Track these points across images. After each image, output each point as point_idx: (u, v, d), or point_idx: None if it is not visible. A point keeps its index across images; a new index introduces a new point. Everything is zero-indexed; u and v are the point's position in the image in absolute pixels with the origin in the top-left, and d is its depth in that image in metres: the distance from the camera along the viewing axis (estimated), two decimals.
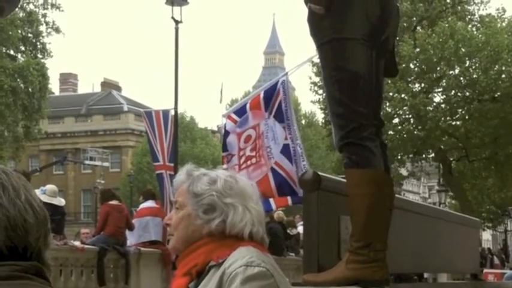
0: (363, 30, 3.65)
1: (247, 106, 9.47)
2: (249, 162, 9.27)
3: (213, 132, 73.11)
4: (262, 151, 9.20)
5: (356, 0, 3.66)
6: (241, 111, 9.53)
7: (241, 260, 2.51)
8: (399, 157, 36.10)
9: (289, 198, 9.67)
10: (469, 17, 36.55)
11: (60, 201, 13.73)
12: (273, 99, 9.28)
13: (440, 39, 32.22)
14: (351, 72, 3.63)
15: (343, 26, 3.63)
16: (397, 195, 4.16)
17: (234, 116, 9.53)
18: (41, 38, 39.59)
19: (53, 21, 39.88)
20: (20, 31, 38.22)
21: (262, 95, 9.43)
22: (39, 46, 39.61)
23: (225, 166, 9.43)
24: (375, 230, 3.64)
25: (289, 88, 9.58)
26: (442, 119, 33.94)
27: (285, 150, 9.06)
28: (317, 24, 3.71)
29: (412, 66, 33.99)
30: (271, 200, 9.65)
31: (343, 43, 3.63)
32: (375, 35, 3.69)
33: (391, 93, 32.81)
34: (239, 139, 9.37)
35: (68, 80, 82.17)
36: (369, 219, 3.60)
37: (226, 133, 9.55)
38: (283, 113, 9.14)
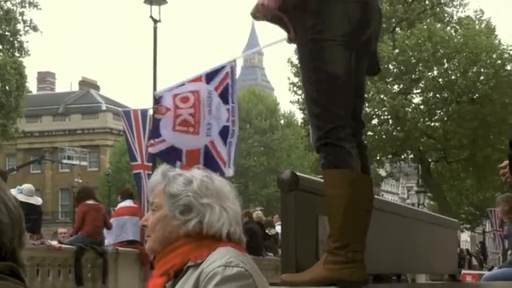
0: (343, 31, 3.64)
1: (186, 84, 9.34)
2: (185, 128, 9.23)
3: None
4: (201, 124, 9.20)
5: (337, 2, 3.65)
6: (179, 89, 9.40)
7: (219, 260, 2.51)
8: (378, 158, 36.25)
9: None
10: (447, 18, 36.75)
11: (37, 201, 13.66)
12: (218, 77, 9.22)
13: (419, 41, 32.37)
14: (329, 74, 3.63)
15: (324, 26, 3.63)
16: (375, 196, 4.15)
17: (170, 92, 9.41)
18: (18, 36, 39.41)
19: (31, 20, 39.78)
20: None
21: (204, 76, 9.33)
22: (16, 44, 39.42)
23: (161, 116, 9.42)
24: (352, 230, 3.63)
25: (235, 77, 9.48)
26: (421, 120, 34.09)
27: (224, 131, 9.16)
28: (299, 23, 3.71)
29: (391, 67, 34.13)
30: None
31: (323, 44, 3.63)
32: (355, 37, 3.69)
33: (370, 94, 32.94)
34: (174, 98, 9.28)
35: (45, 78, 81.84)
36: (346, 220, 3.60)
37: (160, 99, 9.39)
38: (230, 96, 9.14)
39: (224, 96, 9.11)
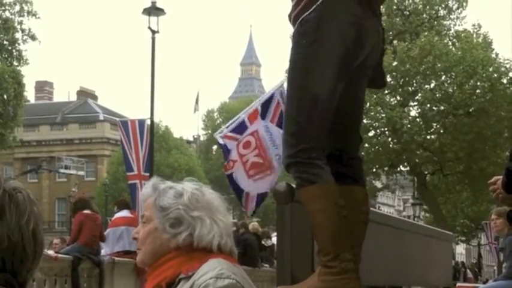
0: (337, 52, 3.63)
1: (246, 121, 9.56)
2: (261, 173, 9.44)
3: (188, 142, 73.02)
4: (272, 159, 9.37)
5: (332, 22, 3.65)
6: (241, 129, 9.63)
7: (211, 272, 2.52)
8: (374, 170, 36.23)
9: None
10: (444, 31, 36.82)
11: None
12: (271, 107, 9.39)
13: (421, 53, 32.45)
14: (313, 94, 3.61)
15: (318, 46, 3.63)
16: (371, 208, 4.18)
17: (233, 134, 9.62)
18: (16, 45, 39.42)
19: (29, 29, 39.80)
20: None
21: (259, 109, 9.57)
22: (15, 53, 39.43)
23: (231, 171, 9.62)
24: (340, 241, 3.64)
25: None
26: (418, 132, 34.11)
27: None
28: (296, 40, 3.72)
29: (388, 79, 34.17)
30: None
31: (314, 63, 3.63)
32: (348, 59, 3.66)
33: (368, 105, 32.95)
34: (237, 147, 9.47)
35: (43, 88, 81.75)
36: (332, 232, 3.60)
37: (228, 151, 9.65)
38: None
39: (281, 124, 9.13)
